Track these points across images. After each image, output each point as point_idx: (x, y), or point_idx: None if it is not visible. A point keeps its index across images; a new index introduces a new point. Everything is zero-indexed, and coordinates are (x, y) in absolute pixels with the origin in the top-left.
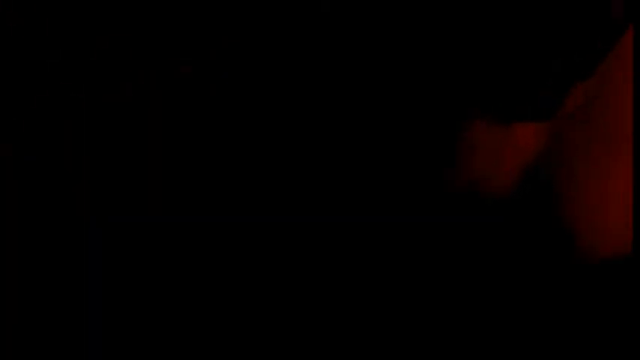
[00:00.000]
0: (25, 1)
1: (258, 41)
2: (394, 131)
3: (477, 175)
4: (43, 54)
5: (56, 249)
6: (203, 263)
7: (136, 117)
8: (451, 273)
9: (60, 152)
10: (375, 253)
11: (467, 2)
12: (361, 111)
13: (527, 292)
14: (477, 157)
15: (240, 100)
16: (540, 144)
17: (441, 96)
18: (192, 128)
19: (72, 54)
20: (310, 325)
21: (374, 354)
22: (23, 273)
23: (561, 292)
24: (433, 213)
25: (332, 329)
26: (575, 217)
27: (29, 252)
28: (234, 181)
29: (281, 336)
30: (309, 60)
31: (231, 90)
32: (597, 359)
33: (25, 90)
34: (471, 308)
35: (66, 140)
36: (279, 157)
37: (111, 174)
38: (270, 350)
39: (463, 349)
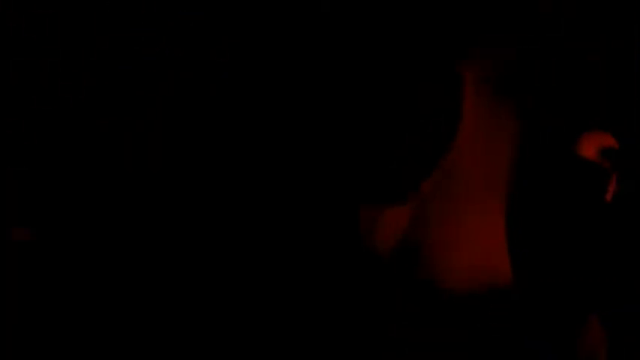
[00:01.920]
0: (25, 1)
1: (258, 41)
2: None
3: (369, 239)
4: (43, 54)
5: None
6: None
7: (137, 117)
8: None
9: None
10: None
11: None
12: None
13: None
14: (366, 225)
15: (240, 101)
16: (405, 216)
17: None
18: (192, 127)
19: (72, 54)
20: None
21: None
22: None
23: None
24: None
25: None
26: (435, 262)
27: None
28: (233, 178)
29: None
30: (309, 60)
31: (231, 90)
32: None
33: (25, 89)
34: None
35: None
36: (279, 156)
37: (111, 172)
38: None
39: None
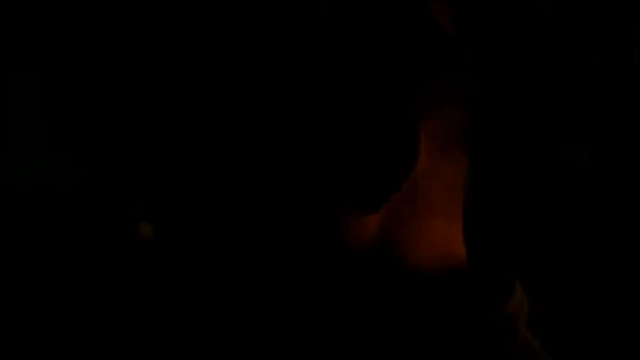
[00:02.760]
0: (25, 1)
1: (258, 41)
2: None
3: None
4: (43, 54)
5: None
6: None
7: (137, 116)
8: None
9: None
10: None
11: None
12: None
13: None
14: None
15: (240, 100)
16: (378, 217)
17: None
18: (192, 127)
19: (72, 54)
20: None
21: None
22: None
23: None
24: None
25: None
26: (401, 248)
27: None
28: (233, 177)
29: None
30: (310, 59)
31: (231, 90)
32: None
33: (25, 89)
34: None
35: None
36: (280, 155)
37: (112, 171)
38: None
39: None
